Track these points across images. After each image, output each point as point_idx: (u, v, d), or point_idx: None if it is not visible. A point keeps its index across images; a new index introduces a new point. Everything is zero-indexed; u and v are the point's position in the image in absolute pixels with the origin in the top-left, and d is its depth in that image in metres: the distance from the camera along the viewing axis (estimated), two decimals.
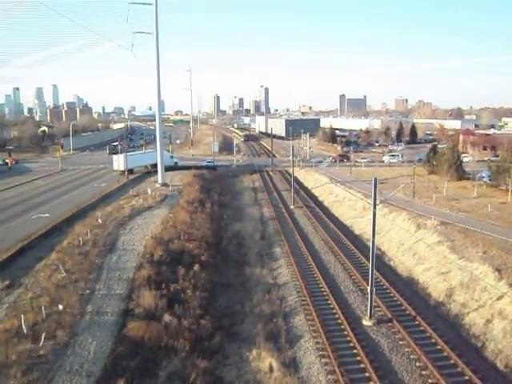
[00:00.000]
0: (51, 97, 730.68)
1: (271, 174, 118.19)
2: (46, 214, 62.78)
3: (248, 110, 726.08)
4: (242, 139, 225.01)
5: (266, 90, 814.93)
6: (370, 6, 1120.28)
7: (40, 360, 25.81)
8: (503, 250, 45.08)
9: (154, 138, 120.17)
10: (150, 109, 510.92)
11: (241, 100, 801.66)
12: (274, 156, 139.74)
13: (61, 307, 32.06)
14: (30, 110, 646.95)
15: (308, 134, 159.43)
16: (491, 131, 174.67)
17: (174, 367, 26.77)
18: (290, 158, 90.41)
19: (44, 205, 70.71)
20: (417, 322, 33.85)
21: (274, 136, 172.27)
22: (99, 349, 27.68)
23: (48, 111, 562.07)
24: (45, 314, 30.99)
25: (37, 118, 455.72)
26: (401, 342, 31.06)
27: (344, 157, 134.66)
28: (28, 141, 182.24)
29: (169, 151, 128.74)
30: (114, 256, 44.75)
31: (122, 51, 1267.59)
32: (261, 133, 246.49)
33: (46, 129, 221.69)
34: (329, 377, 26.99)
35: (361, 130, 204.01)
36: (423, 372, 27.37)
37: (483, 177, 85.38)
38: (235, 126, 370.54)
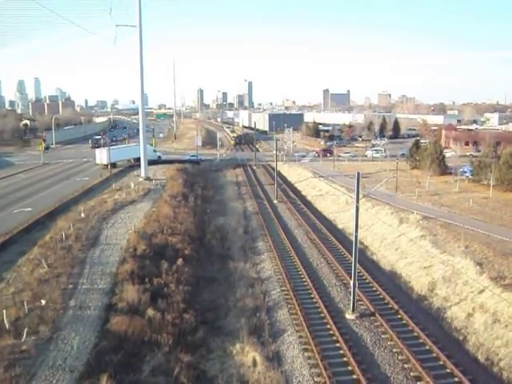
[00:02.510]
0: (33, 90, 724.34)
1: (254, 168, 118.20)
2: (28, 208, 62.23)
3: (232, 104, 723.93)
4: (233, 142, 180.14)
5: (250, 84, 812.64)
6: (353, 5, 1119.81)
7: (22, 355, 25.62)
8: (485, 244, 45.48)
9: (137, 131, 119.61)
10: (133, 102, 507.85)
11: (224, 94, 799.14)
12: (258, 150, 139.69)
13: (43, 302, 31.87)
14: (12, 103, 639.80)
15: (291, 129, 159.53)
16: (473, 127, 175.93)
17: (157, 361, 26.76)
18: (274, 152, 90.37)
19: (26, 199, 70.03)
20: (399, 316, 34.12)
21: (258, 130, 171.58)
22: (82, 344, 27.56)
23: (30, 104, 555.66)
24: (27, 308, 30.81)
25: (18, 111, 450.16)
26: (383, 336, 31.28)
27: (327, 151, 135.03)
28: (9, 134, 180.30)
29: (152, 145, 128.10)
30: (96, 250, 44.56)
31: (105, 44, 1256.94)
32: (244, 127, 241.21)
33: (27, 122, 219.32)
34: (312, 370, 27.11)
35: (344, 125, 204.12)
36: (406, 365, 27.59)
37: (465, 172, 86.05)
38: (219, 119, 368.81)
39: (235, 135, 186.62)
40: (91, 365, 25.20)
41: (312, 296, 37.91)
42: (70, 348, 27.02)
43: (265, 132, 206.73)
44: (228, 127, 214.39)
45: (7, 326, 28.29)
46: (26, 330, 27.71)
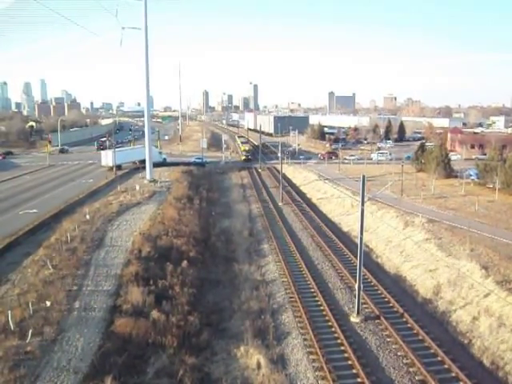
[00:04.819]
0: (39, 92, 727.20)
1: (260, 170, 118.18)
2: (34, 210, 62.37)
3: (237, 107, 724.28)
4: (244, 157, 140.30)
5: (255, 86, 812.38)
6: (358, 6, 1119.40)
7: (27, 356, 25.66)
8: (490, 247, 45.36)
9: (143, 133, 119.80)
10: (139, 104, 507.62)
11: (230, 96, 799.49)
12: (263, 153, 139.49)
13: (48, 303, 31.91)
14: (18, 105, 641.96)
15: (297, 131, 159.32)
16: (479, 130, 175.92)
17: (161, 363, 26.74)
18: (279, 154, 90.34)
19: (32, 200, 70.23)
20: (404, 319, 34.01)
21: (263, 133, 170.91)
22: (87, 345, 27.57)
23: (36, 106, 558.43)
24: (32, 310, 30.85)
25: (25, 113, 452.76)
26: (388, 339, 31.20)
27: (332, 154, 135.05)
28: (16, 136, 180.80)
29: (157, 147, 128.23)
30: (101, 252, 44.59)
31: (111, 46, 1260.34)
32: (249, 129, 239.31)
33: (33, 124, 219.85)
34: (316, 373, 27.05)
35: (349, 128, 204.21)
36: (410, 369, 27.50)
37: (471, 175, 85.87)
38: (224, 122, 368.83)
39: (247, 148, 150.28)
40: (95, 366, 25.19)
41: (317, 299, 37.84)
42: (75, 349, 27.03)
43: (270, 135, 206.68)
44: (240, 137, 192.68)
45: (12, 327, 28.34)
46: (30, 330, 27.75)
